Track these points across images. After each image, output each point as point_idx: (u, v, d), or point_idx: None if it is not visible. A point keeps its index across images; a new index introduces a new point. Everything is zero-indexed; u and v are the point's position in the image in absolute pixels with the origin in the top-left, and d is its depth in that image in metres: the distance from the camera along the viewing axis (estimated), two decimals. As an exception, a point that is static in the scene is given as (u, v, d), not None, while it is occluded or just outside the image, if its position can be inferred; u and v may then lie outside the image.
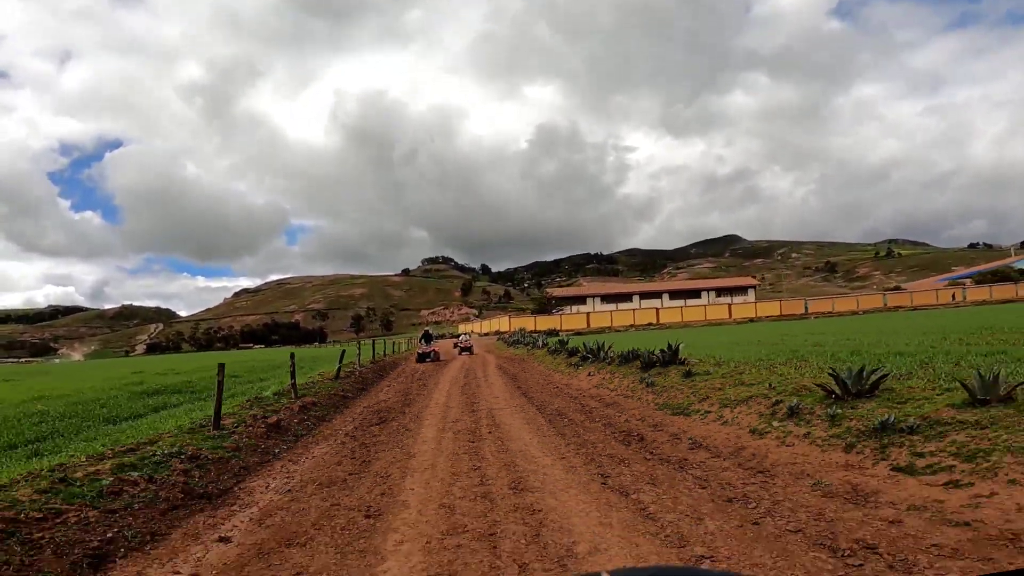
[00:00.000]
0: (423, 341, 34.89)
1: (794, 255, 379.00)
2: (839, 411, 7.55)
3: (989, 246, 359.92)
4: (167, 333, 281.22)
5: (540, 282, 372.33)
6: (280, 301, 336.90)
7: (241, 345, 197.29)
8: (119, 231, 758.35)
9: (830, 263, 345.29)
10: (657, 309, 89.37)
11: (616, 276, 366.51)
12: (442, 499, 6.31)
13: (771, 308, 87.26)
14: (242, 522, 6.03)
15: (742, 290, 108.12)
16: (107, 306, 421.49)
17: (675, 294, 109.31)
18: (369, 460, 8.61)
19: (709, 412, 9.82)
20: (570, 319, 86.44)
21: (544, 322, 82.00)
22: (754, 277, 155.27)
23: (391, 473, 7.71)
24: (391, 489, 6.90)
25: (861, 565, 4.01)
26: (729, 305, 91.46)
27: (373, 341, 40.35)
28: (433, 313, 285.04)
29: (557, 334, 52.15)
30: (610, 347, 20.25)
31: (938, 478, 5.34)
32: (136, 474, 6.85)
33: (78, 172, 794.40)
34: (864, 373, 8.13)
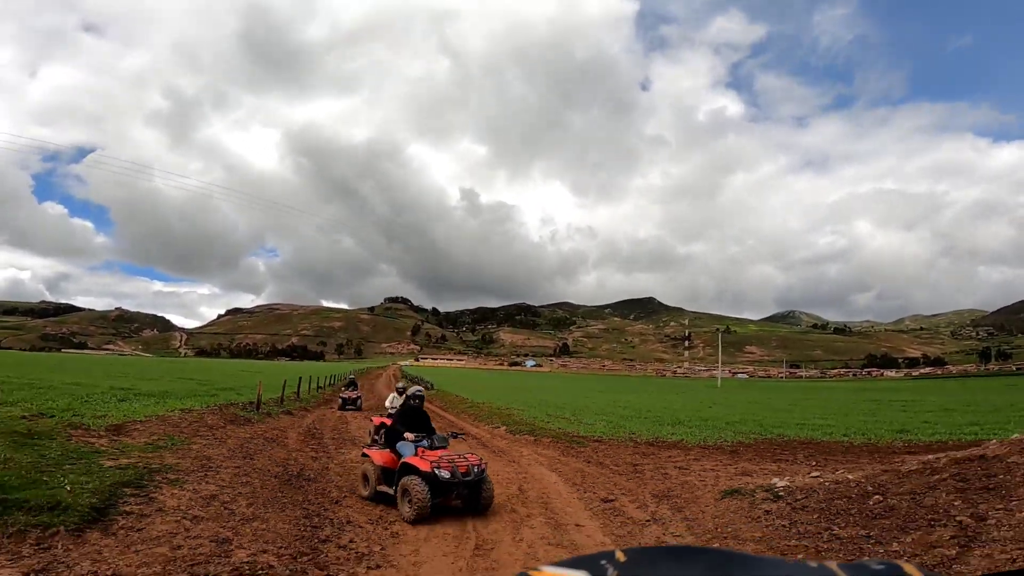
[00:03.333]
0: (347, 387, 24.77)
1: (672, 323, 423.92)
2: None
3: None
4: (194, 343, 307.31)
5: (475, 328, 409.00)
6: (275, 324, 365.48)
7: (275, 358, 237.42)
8: (85, 229, 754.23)
9: (690, 334, 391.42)
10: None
11: (532, 328, 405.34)
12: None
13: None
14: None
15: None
16: (67, 301, 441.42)
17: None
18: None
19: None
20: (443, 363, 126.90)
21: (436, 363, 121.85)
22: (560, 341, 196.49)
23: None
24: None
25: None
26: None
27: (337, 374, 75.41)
28: (390, 346, 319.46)
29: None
30: (429, 382, 56.55)
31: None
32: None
33: (53, 171, 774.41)
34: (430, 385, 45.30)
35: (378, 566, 4.89)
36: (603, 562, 0.67)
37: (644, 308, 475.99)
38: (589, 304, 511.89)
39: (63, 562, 4.22)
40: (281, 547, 5.00)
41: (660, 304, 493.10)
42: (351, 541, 5.41)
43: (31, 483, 5.71)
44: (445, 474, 7.31)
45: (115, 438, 9.43)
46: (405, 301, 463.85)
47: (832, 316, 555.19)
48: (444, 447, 8.10)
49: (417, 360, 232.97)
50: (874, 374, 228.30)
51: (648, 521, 6.40)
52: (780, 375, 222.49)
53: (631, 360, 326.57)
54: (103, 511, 5.25)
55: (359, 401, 23.11)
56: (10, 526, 4.62)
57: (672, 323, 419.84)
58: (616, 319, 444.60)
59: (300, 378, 25.26)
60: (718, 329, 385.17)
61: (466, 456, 7.74)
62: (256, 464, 8.74)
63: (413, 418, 8.37)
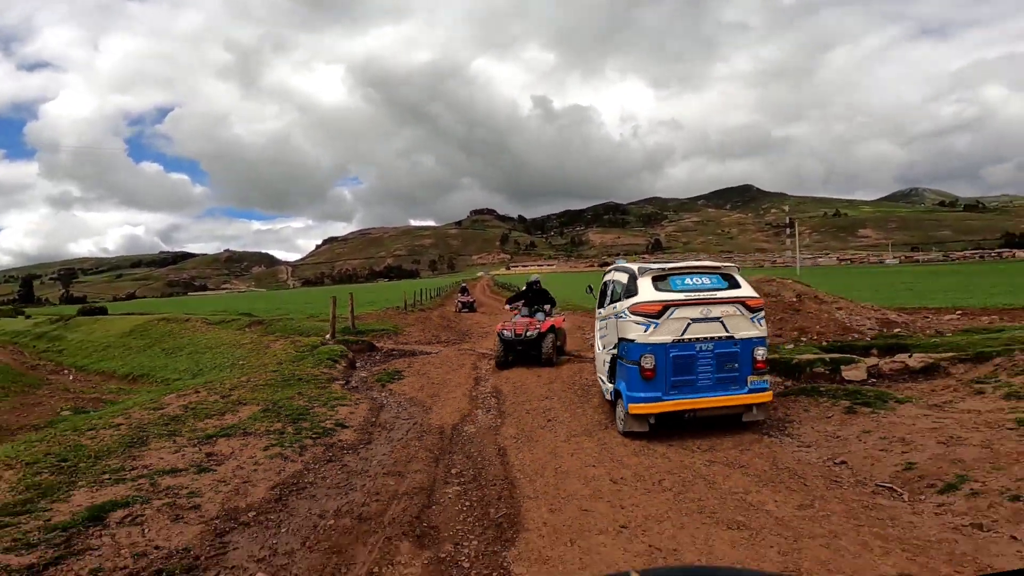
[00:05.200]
0: (461, 293, 31.77)
1: (773, 210, 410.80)
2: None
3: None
4: (299, 274, 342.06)
5: (563, 231, 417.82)
6: (369, 248, 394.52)
7: (373, 280, 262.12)
8: (183, 182, 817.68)
9: (792, 220, 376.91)
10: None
11: (622, 226, 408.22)
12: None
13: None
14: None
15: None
16: (181, 249, 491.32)
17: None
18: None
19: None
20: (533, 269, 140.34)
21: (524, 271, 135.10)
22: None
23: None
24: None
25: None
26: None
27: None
28: (480, 257, 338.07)
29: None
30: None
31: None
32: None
33: (141, 134, 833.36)
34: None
35: (485, 336, 16.28)
36: None
37: (741, 196, 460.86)
38: (680, 197, 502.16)
39: (406, 332, 15.79)
40: (454, 338, 16.40)
41: (759, 191, 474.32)
42: (474, 337, 16.71)
43: (363, 329, 17.30)
44: (507, 334, 10.60)
45: (360, 320, 21.20)
46: (491, 212, 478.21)
47: (964, 192, 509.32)
48: (531, 317, 11.14)
49: (508, 268, 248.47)
50: (1005, 255, 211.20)
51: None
52: (887, 259, 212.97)
53: (729, 252, 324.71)
54: (395, 334, 16.88)
55: (473, 304, 29.77)
56: (387, 335, 16.26)
57: (773, 210, 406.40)
58: (711, 210, 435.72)
59: (421, 290, 37.14)
60: (824, 213, 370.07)
61: (532, 322, 10.74)
62: (428, 325, 20.32)
63: (529, 295, 12.03)
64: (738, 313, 6.28)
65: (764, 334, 6.42)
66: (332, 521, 4.63)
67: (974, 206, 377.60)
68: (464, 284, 38.26)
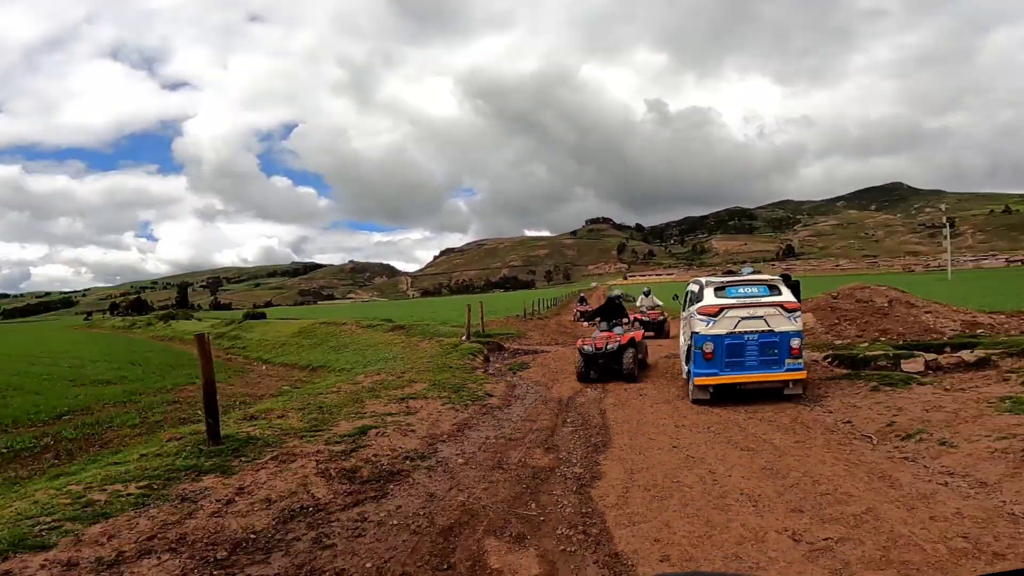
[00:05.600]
0: (580, 303, 33.44)
1: (928, 209, 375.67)
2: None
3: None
4: (418, 284, 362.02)
5: (684, 239, 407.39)
6: (485, 259, 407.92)
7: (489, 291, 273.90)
8: (309, 195, 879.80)
9: (953, 220, 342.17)
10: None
11: (749, 232, 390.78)
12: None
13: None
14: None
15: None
16: (310, 260, 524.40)
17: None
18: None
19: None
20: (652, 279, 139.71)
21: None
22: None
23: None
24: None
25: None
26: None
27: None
28: (596, 267, 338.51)
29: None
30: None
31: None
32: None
33: (271, 149, 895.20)
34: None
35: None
36: None
37: (888, 195, 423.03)
38: (816, 199, 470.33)
39: (527, 336, 18.95)
40: (569, 341, 19.27)
41: (910, 189, 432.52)
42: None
43: (490, 333, 20.60)
44: (588, 348, 11.06)
45: (486, 327, 24.63)
46: (607, 220, 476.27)
47: None
48: (610, 331, 11.54)
49: (625, 279, 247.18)
50: None
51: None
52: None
53: (873, 256, 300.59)
54: (518, 338, 20.01)
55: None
56: (512, 338, 19.50)
57: (928, 209, 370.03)
58: (852, 212, 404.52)
59: (539, 300, 40.56)
60: (991, 211, 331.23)
61: (612, 336, 11.17)
62: (546, 331, 23.38)
63: (607, 310, 12.63)
64: (778, 313, 8.64)
65: (799, 328, 8.71)
66: (494, 440, 7.69)
67: None
68: (582, 294, 40.97)
